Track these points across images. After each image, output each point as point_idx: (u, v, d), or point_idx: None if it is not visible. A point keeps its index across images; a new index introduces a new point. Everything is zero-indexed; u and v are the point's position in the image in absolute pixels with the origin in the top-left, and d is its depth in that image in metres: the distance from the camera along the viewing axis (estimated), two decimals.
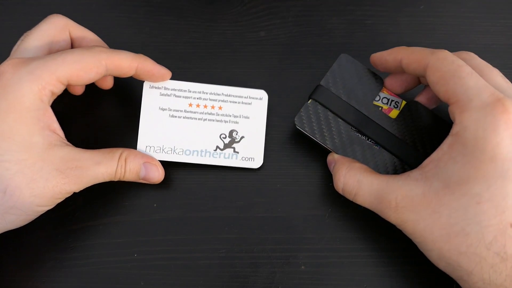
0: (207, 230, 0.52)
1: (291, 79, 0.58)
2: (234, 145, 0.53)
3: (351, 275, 0.51)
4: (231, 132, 0.53)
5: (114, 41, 0.59)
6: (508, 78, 0.58)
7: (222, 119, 0.53)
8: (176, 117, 0.53)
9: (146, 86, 0.53)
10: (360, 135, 0.51)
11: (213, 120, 0.53)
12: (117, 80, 0.56)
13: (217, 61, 0.58)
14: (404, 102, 0.52)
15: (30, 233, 0.52)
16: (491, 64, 0.58)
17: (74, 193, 0.53)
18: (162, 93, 0.53)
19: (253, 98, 0.54)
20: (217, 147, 0.53)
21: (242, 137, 0.53)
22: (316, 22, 0.60)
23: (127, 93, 0.55)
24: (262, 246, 0.52)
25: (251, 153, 0.53)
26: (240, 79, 0.57)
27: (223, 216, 0.52)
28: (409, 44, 0.59)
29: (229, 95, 0.54)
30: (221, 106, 0.53)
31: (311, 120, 0.51)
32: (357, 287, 0.50)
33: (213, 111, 0.53)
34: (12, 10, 0.60)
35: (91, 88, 0.56)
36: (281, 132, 0.55)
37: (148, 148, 0.52)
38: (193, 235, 0.52)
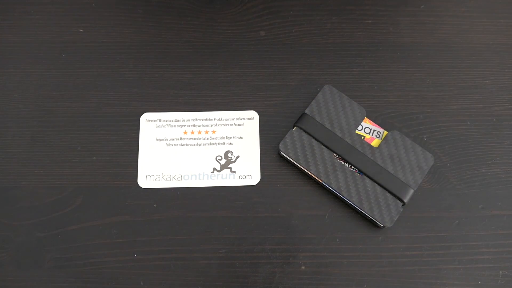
0: (207, 230, 0.52)
1: (291, 79, 0.57)
2: (231, 165, 0.54)
3: (351, 275, 0.51)
4: (226, 153, 0.54)
5: (114, 41, 0.59)
6: (508, 78, 0.58)
7: (217, 142, 0.54)
8: (172, 145, 0.54)
9: (142, 120, 0.55)
10: (343, 163, 0.52)
11: (208, 144, 0.54)
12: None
13: (217, 60, 0.58)
14: (386, 132, 0.54)
15: (30, 234, 0.52)
16: (491, 63, 0.58)
17: (74, 193, 0.53)
18: (158, 124, 0.55)
19: (244, 119, 0.55)
20: (214, 169, 0.54)
21: (238, 156, 0.54)
22: (316, 22, 0.60)
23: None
24: (262, 246, 0.52)
25: (248, 171, 0.54)
26: (239, 79, 0.57)
27: (223, 216, 0.52)
28: (409, 43, 0.59)
29: (221, 119, 0.55)
30: (215, 130, 0.55)
31: (296, 147, 0.52)
32: (357, 287, 0.50)
33: (207, 135, 0.55)
34: (12, 9, 0.60)
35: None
36: (279, 139, 0.55)
37: (148, 177, 0.53)
38: (193, 235, 0.52)
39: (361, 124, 0.54)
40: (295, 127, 0.53)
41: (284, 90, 0.57)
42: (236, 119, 0.55)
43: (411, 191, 0.51)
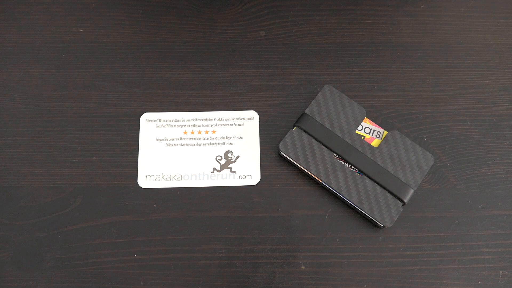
0: (207, 230, 0.52)
1: (291, 79, 0.57)
2: (231, 165, 0.54)
3: (351, 275, 0.51)
4: (226, 153, 0.54)
5: (114, 41, 0.59)
6: (508, 78, 0.58)
7: (217, 142, 0.54)
8: (172, 145, 0.54)
9: (142, 120, 0.55)
10: (343, 163, 0.52)
11: (208, 144, 0.54)
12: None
13: (216, 60, 0.58)
14: (385, 132, 0.54)
15: (30, 233, 0.52)
16: (491, 63, 0.58)
17: (74, 193, 0.53)
18: (158, 124, 0.55)
19: (244, 119, 0.55)
20: (214, 169, 0.54)
21: (238, 156, 0.54)
22: (316, 22, 0.60)
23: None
24: (262, 246, 0.52)
25: (248, 171, 0.54)
26: (239, 79, 0.57)
27: (223, 216, 0.52)
28: (409, 43, 0.59)
29: (221, 119, 0.55)
30: (215, 130, 0.55)
31: (296, 147, 0.52)
32: (357, 287, 0.50)
33: (207, 135, 0.55)
34: (12, 9, 0.60)
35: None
36: (279, 139, 0.55)
37: (148, 177, 0.53)
38: (193, 235, 0.52)
39: (361, 124, 0.54)
40: (295, 127, 0.53)
41: (284, 90, 0.57)
42: (236, 119, 0.55)
43: (411, 191, 0.51)
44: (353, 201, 0.51)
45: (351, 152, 0.52)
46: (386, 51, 0.58)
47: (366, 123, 0.54)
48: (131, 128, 0.55)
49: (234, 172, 0.53)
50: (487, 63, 0.58)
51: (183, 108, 0.56)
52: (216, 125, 0.55)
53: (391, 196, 0.51)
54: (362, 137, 0.53)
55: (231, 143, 0.55)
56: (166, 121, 0.55)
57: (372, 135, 0.54)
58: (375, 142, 0.53)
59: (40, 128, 0.55)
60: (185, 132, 0.55)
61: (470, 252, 0.51)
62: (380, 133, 0.54)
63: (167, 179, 0.53)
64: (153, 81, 0.57)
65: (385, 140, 0.53)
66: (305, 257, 0.51)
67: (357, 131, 0.53)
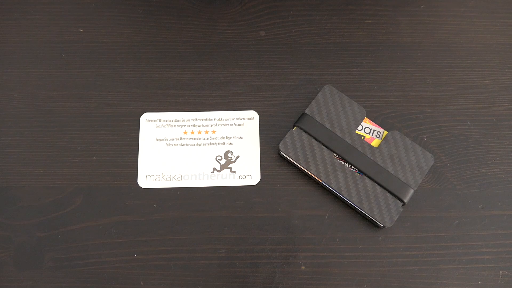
0: (207, 230, 0.52)
1: (291, 79, 0.58)
2: (231, 165, 0.54)
3: (351, 275, 0.51)
4: (226, 153, 0.54)
5: (114, 41, 0.59)
6: (508, 78, 0.58)
7: (217, 142, 0.54)
8: (172, 145, 0.54)
9: (142, 120, 0.55)
10: (343, 163, 0.52)
11: (208, 144, 0.54)
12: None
13: (216, 60, 0.58)
14: (385, 132, 0.54)
15: (30, 233, 0.52)
16: (491, 63, 0.58)
17: (74, 193, 0.53)
18: (158, 124, 0.55)
19: (244, 119, 0.55)
20: (214, 169, 0.54)
21: (238, 156, 0.54)
22: (316, 22, 0.60)
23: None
24: (262, 246, 0.52)
25: (248, 171, 0.54)
26: (239, 79, 0.57)
27: (223, 216, 0.52)
28: (409, 43, 0.59)
29: (221, 119, 0.55)
30: (215, 130, 0.55)
31: (296, 147, 0.52)
32: (357, 287, 0.50)
33: (207, 135, 0.55)
34: (12, 9, 0.60)
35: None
36: (279, 139, 0.55)
37: (148, 177, 0.53)
38: (193, 235, 0.52)
39: (361, 124, 0.54)
40: (295, 127, 0.53)
41: (284, 90, 0.57)
42: (236, 119, 0.55)
43: (411, 191, 0.51)
44: (353, 201, 0.51)
45: (351, 152, 0.52)
46: (386, 51, 0.58)
47: (366, 123, 0.54)
48: (131, 128, 0.55)
49: (234, 172, 0.53)
50: (487, 63, 0.58)
51: (183, 108, 0.56)
52: (216, 125, 0.55)
53: (391, 196, 0.51)
54: (362, 137, 0.53)
55: (231, 143, 0.55)
56: (166, 121, 0.55)
57: (372, 135, 0.54)
58: (375, 142, 0.53)
59: (40, 128, 0.55)
60: (185, 132, 0.55)
61: (470, 252, 0.51)
62: (380, 133, 0.54)
63: (167, 179, 0.53)
64: (153, 81, 0.57)
65: (385, 140, 0.53)
66: (305, 257, 0.51)
67: (357, 131, 0.53)
